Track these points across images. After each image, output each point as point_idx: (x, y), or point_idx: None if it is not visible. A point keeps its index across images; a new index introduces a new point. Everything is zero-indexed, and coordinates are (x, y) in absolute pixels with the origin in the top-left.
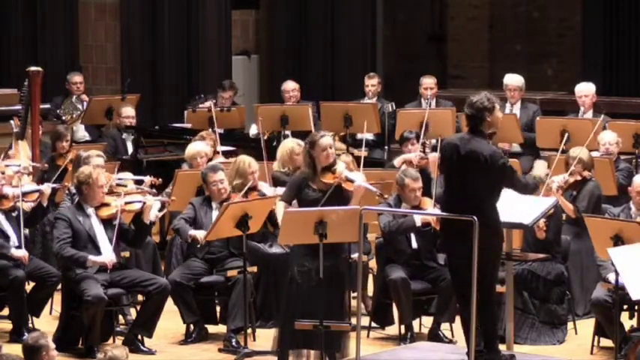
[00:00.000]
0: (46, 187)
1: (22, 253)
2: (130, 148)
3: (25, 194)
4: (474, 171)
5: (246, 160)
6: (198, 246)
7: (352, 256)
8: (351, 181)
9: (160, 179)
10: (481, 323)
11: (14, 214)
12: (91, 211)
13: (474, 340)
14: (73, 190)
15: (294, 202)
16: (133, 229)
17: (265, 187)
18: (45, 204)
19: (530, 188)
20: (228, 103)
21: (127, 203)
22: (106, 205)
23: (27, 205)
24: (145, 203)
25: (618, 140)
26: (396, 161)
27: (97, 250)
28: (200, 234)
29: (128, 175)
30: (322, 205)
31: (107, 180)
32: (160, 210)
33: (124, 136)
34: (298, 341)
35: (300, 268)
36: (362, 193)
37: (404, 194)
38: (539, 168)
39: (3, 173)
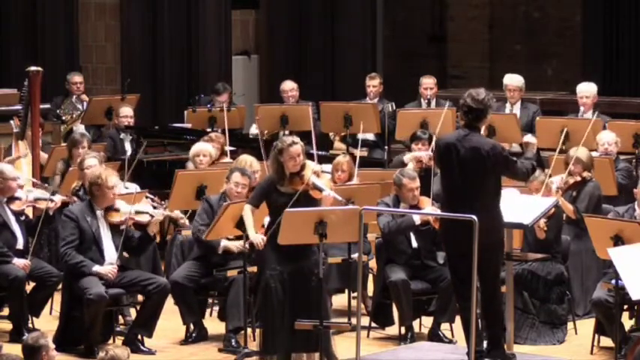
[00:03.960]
0: (58, 199)
1: (22, 263)
2: (129, 148)
3: (36, 200)
4: (477, 167)
5: (247, 160)
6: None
7: (352, 256)
8: (319, 190)
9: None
10: (487, 322)
11: (22, 218)
12: (99, 213)
13: (474, 340)
14: (74, 198)
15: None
16: (137, 236)
17: None
18: (51, 213)
19: (529, 173)
20: (226, 106)
21: (137, 212)
22: (116, 210)
23: (30, 210)
24: (153, 217)
25: (617, 140)
26: (407, 158)
27: (101, 254)
28: (233, 244)
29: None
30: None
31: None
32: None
33: (122, 136)
34: (279, 343)
35: (271, 271)
36: (331, 202)
37: (402, 194)
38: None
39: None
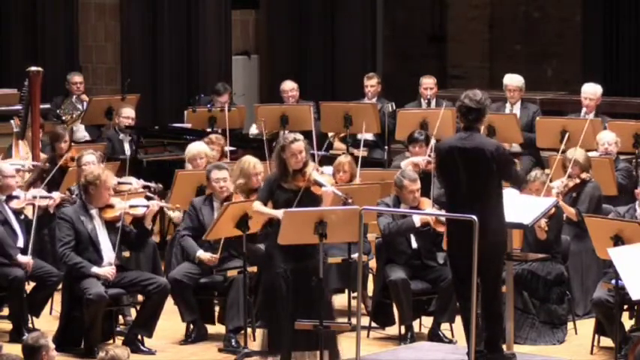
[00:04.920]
0: (58, 196)
1: (26, 260)
2: (127, 149)
3: (34, 198)
4: (480, 168)
5: (251, 162)
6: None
7: (352, 256)
8: (319, 185)
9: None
10: (486, 323)
11: (22, 217)
12: (94, 212)
13: (474, 340)
14: (73, 196)
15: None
16: (134, 231)
17: None
18: (51, 210)
19: (523, 181)
20: (227, 106)
21: (131, 207)
22: (111, 206)
23: (29, 210)
24: (149, 207)
25: (617, 140)
26: (404, 163)
27: (98, 254)
28: (207, 256)
29: (132, 180)
30: (295, 207)
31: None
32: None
33: (121, 136)
34: (285, 342)
35: (277, 270)
36: (331, 197)
37: (402, 195)
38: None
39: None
